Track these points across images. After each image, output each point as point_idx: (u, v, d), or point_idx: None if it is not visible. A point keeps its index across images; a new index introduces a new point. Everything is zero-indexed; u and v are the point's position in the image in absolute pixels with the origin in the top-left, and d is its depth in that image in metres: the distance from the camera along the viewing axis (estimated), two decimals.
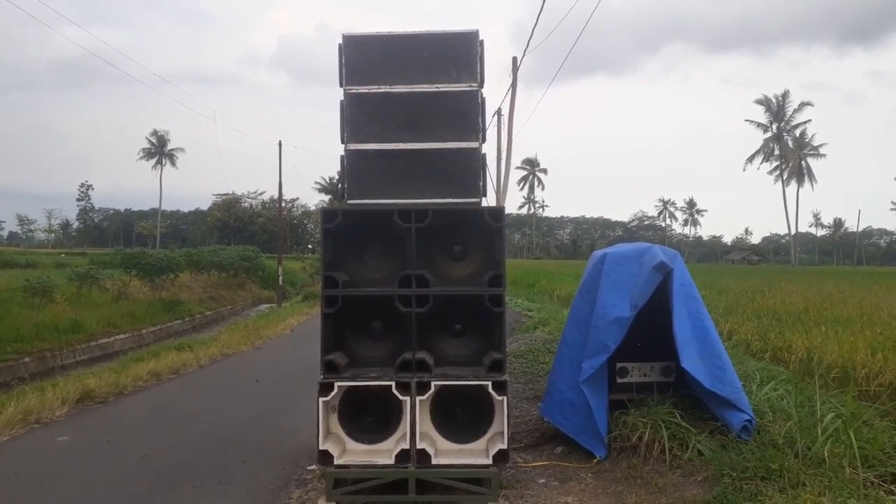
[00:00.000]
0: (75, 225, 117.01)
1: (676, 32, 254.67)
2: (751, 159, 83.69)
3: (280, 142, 34.56)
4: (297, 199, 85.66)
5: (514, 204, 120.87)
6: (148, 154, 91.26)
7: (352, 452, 4.68)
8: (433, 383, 4.55)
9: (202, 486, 5.28)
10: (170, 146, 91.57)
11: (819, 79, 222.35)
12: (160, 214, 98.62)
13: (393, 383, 4.54)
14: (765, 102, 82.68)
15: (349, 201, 4.77)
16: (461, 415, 4.78)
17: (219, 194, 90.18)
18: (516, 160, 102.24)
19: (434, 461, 4.49)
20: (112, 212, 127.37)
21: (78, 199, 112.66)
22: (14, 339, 15.50)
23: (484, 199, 4.81)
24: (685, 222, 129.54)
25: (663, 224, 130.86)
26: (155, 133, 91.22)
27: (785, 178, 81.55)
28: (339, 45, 4.76)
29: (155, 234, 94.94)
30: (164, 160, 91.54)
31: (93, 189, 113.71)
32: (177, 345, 13.60)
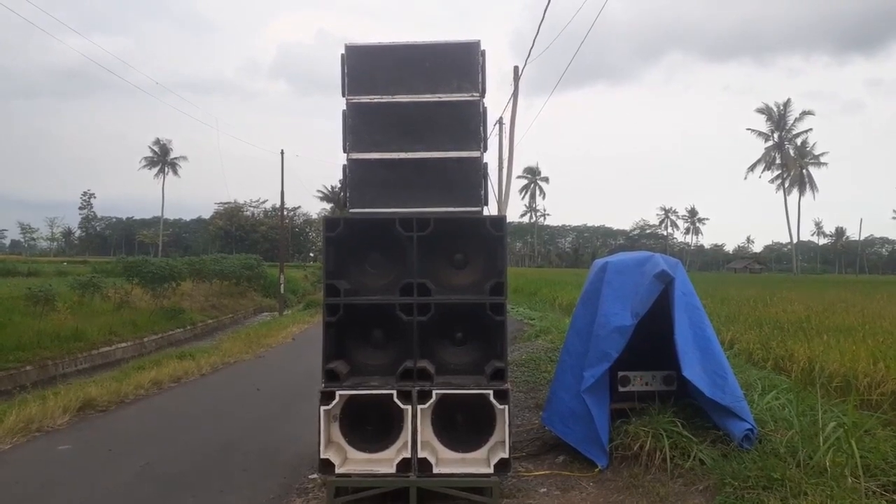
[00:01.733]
0: (77, 233, 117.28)
1: (676, 41, 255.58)
2: (752, 168, 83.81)
3: (282, 151, 34.61)
4: (299, 207, 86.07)
5: (515, 212, 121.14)
6: (150, 162, 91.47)
7: (353, 461, 4.68)
8: (434, 392, 4.56)
9: (203, 495, 5.28)
10: (172, 155, 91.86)
11: (819, 87, 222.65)
12: (162, 223, 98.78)
13: (394, 392, 4.54)
14: (766, 111, 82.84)
15: (351, 210, 4.79)
16: (462, 423, 4.78)
17: (221, 203, 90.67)
18: (517, 169, 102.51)
19: (435, 470, 4.50)
20: (114, 220, 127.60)
21: (80, 208, 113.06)
22: (16, 348, 15.52)
23: (485, 207, 4.84)
24: (687, 231, 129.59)
25: (665, 233, 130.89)
26: (157, 142, 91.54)
27: (786, 186, 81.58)
28: (342, 54, 4.80)
29: (157, 242, 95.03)
30: (166, 169, 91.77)
31: (95, 197, 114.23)
32: (178, 353, 13.60)
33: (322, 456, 4.54)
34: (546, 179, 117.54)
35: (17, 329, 16.71)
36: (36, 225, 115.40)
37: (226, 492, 5.35)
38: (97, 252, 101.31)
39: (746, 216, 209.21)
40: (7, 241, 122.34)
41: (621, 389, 5.67)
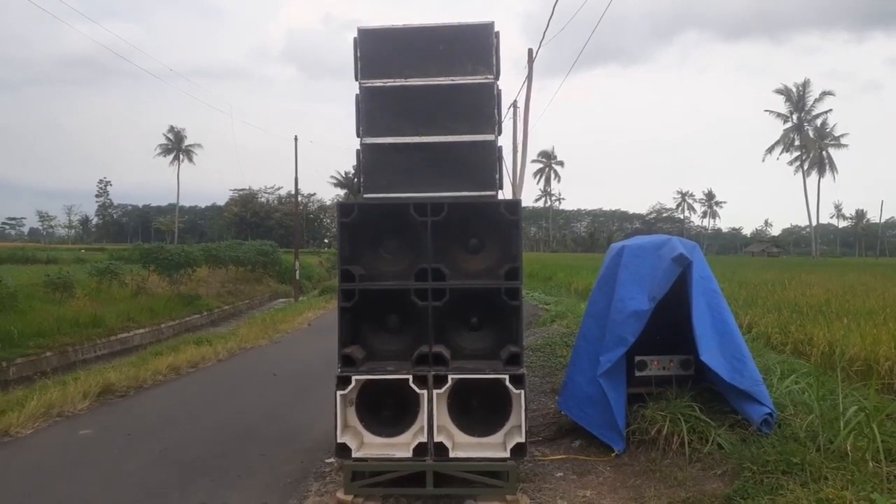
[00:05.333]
0: (94, 221, 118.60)
1: (690, 20, 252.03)
2: (770, 150, 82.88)
3: (296, 137, 34.55)
4: (315, 194, 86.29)
5: (530, 196, 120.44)
6: (165, 150, 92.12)
7: (369, 445, 4.70)
8: (450, 377, 4.55)
9: (221, 479, 5.32)
10: (186, 142, 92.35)
11: (837, 66, 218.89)
12: (178, 210, 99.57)
13: (410, 377, 4.54)
14: (785, 92, 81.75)
15: (365, 195, 4.77)
16: (478, 408, 4.78)
17: (236, 189, 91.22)
18: (532, 153, 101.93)
19: (451, 454, 4.50)
20: (130, 208, 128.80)
21: (97, 196, 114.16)
22: (36, 334, 15.72)
23: (500, 191, 4.79)
24: (704, 214, 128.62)
25: (682, 216, 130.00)
26: (172, 129, 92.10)
27: (805, 168, 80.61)
28: (355, 38, 4.75)
29: (173, 229, 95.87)
30: (181, 156, 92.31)
31: (111, 185, 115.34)
32: (195, 339, 13.71)
33: (339, 440, 4.55)
34: (561, 163, 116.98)
35: (38, 316, 16.92)
36: (54, 213, 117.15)
37: (244, 476, 5.40)
38: (114, 239, 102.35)
39: (764, 199, 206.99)
40: (26, 229, 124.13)
41: (638, 374, 5.63)
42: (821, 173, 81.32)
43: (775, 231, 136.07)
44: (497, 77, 4.72)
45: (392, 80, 4.75)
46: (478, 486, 4.51)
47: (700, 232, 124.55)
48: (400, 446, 4.63)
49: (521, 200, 5.04)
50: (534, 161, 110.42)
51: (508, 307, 4.63)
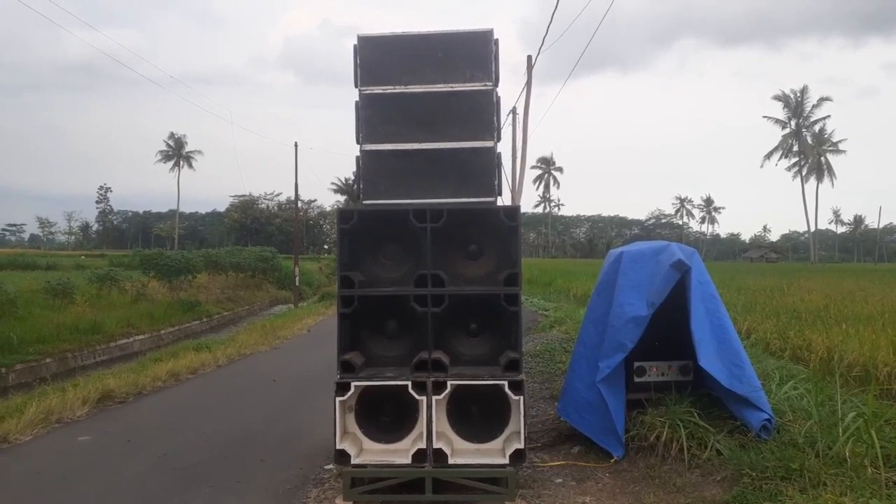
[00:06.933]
0: (95, 227, 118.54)
1: (687, 26, 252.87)
2: (769, 156, 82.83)
3: (296, 143, 34.54)
4: (315, 200, 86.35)
5: (529, 202, 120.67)
6: (165, 157, 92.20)
7: (369, 452, 4.70)
8: (449, 383, 4.55)
9: (221, 485, 5.32)
10: (187, 148, 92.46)
11: (833, 72, 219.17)
12: (178, 216, 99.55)
13: (409, 383, 4.54)
14: (783, 98, 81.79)
15: (365, 201, 4.79)
16: (477, 414, 4.78)
17: (236, 196, 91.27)
18: (531, 159, 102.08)
19: (451, 461, 4.50)
20: (130, 214, 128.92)
21: (97, 202, 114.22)
22: (35, 340, 15.71)
23: (499, 197, 4.81)
24: (702, 220, 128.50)
25: (681, 222, 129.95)
26: (172, 136, 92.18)
27: (804, 174, 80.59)
28: (354, 45, 4.78)
29: (173, 235, 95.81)
30: (181, 162, 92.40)
31: (111, 191, 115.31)
32: (195, 345, 13.69)
33: (338, 447, 4.55)
34: (560, 169, 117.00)
35: (37, 322, 16.92)
36: (54, 219, 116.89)
37: (242, 482, 5.39)
38: (114, 245, 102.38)
39: (763, 205, 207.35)
40: (26, 236, 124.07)
41: (637, 380, 5.63)
42: (819, 179, 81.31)
43: (774, 237, 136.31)
44: (496, 84, 4.75)
45: (392, 87, 4.78)
46: (477, 492, 4.51)
47: (699, 238, 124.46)
48: (399, 452, 4.63)
49: (520, 206, 5.06)
50: (533, 167, 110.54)
51: (507, 313, 4.64)
